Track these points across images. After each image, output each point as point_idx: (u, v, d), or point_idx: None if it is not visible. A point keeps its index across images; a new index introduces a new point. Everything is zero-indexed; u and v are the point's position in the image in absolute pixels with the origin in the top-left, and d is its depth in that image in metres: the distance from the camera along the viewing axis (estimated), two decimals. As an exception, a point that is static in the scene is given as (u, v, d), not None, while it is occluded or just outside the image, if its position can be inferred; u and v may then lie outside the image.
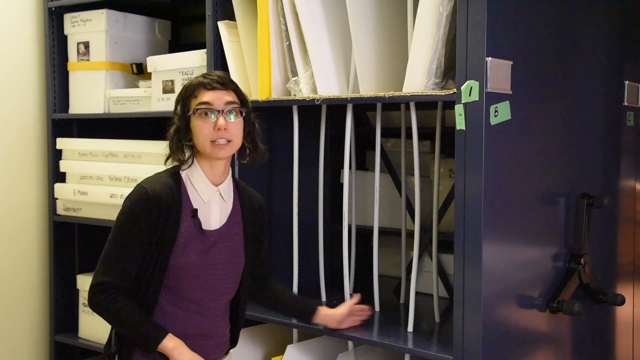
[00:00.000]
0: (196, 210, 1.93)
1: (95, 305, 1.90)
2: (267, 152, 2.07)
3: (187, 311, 1.94)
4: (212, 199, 1.97)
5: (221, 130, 1.89)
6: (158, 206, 1.87)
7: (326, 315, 2.20)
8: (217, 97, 1.90)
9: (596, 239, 2.35)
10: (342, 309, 2.21)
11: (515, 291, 2.06)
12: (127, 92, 3.01)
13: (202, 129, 1.89)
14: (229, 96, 1.92)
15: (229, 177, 2.02)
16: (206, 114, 1.89)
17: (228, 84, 1.94)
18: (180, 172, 1.97)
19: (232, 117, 1.92)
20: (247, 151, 2.02)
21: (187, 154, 1.96)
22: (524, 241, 2.09)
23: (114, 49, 3.06)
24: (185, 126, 1.93)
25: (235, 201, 2.04)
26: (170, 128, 1.96)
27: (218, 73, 1.98)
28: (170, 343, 1.87)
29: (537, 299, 2.13)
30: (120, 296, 1.88)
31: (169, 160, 1.98)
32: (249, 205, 2.07)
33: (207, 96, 1.90)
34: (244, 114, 1.95)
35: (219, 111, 1.90)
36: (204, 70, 2.61)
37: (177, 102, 1.97)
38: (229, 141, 1.91)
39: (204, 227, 1.95)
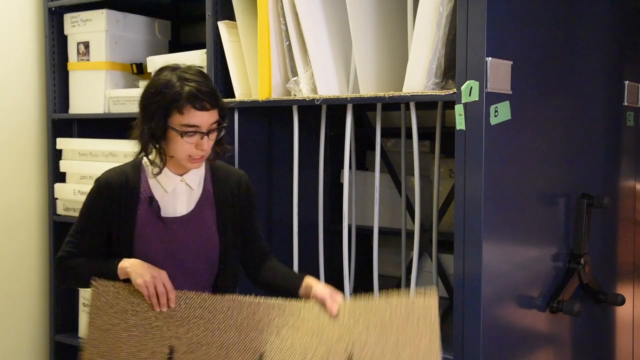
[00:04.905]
0: (152, 197, 1.93)
1: (57, 277, 2.06)
2: (231, 149, 2.03)
3: None
4: (177, 189, 1.95)
5: (202, 149, 1.87)
6: (108, 191, 1.91)
7: (307, 286, 1.96)
8: (206, 120, 1.84)
9: (596, 239, 2.35)
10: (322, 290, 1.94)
11: (515, 291, 2.05)
12: (127, 92, 3.01)
13: (182, 146, 1.86)
14: (216, 115, 1.87)
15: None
16: (191, 135, 1.85)
17: (216, 101, 1.87)
18: (143, 161, 1.95)
19: (213, 135, 1.88)
20: (214, 154, 1.98)
21: (154, 155, 1.92)
22: (524, 241, 2.09)
23: (114, 49, 3.06)
24: (162, 134, 1.86)
25: (208, 187, 2.00)
26: (143, 127, 1.87)
27: (202, 81, 1.85)
28: (126, 263, 1.88)
29: (537, 299, 2.13)
30: (73, 258, 1.95)
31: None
32: (226, 189, 2.01)
33: (196, 118, 1.83)
34: (222, 130, 1.92)
35: (204, 133, 1.86)
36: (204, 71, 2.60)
37: (155, 102, 1.84)
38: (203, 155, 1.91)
39: (166, 214, 1.93)
